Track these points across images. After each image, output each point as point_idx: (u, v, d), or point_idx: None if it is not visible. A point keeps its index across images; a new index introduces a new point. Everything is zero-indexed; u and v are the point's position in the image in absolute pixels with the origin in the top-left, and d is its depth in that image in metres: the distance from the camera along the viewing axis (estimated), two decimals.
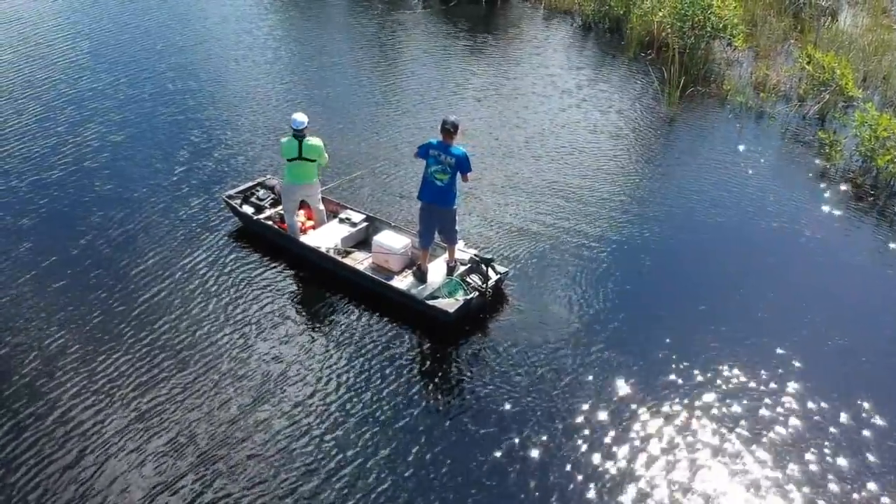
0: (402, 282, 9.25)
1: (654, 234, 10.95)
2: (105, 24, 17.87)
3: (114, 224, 10.58)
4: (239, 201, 10.52)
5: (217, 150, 12.59)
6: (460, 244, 9.42)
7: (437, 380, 8.44)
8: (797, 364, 8.60)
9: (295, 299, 9.49)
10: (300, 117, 9.49)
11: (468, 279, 9.11)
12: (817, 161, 13.00)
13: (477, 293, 8.97)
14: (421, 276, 9.14)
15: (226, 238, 10.38)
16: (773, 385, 8.33)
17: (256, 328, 8.90)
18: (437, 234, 9.19)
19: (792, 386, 8.32)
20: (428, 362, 8.68)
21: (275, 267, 9.91)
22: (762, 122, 14.32)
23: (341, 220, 10.18)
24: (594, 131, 13.82)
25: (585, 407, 7.99)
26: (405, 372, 8.42)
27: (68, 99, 14.04)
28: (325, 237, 9.88)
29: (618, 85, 15.77)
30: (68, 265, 9.79)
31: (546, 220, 11.04)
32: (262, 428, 7.62)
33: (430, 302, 8.85)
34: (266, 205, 10.42)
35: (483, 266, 9.03)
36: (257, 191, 10.70)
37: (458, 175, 8.83)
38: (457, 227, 9.14)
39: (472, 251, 9.42)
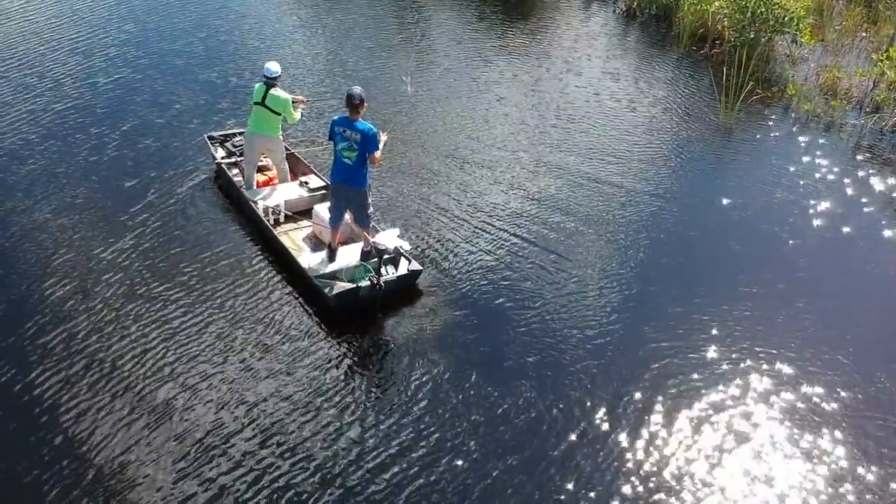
0: (311, 256, 8.82)
1: (686, 257, 9.59)
2: None
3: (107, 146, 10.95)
4: (217, 143, 10.72)
5: (225, 97, 12.64)
6: (395, 231, 8.77)
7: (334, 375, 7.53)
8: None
9: (231, 254, 9.03)
10: (273, 66, 9.43)
11: (385, 269, 8.43)
12: None
13: (368, 283, 8.17)
14: (330, 255, 8.70)
15: (201, 177, 10.40)
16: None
17: (181, 285, 8.45)
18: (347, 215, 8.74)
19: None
20: (316, 347, 7.82)
21: (229, 217, 9.70)
22: (831, 135, 12.50)
23: (301, 184, 10.08)
24: (634, 135, 12.28)
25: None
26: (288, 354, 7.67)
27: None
28: (273, 196, 9.71)
29: (665, 84, 14.02)
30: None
31: (556, 226, 9.89)
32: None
33: (317, 281, 8.32)
34: (237, 152, 10.47)
35: (398, 257, 8.56)
36: (235, 137, 10.79)
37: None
38: (369, 211, 8.60)
39: (402, 242, 8.63)
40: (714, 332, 8.25)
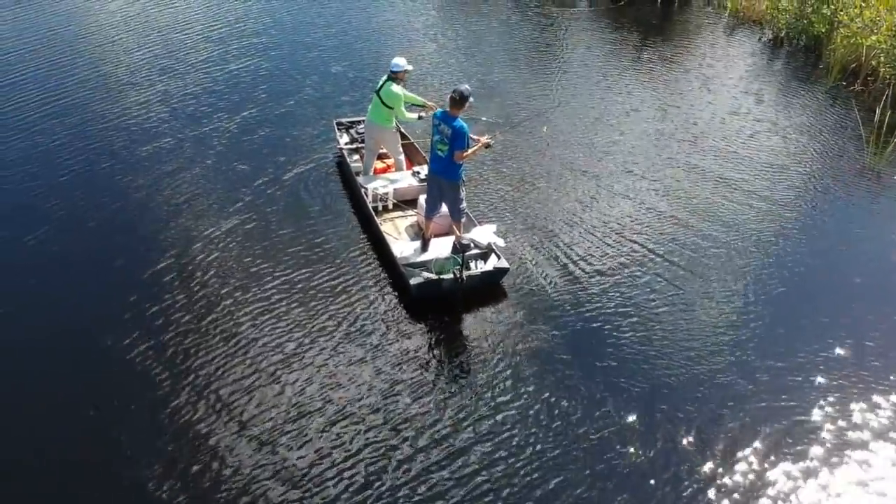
0: (405, 245, 8.99)
1: (813, 287, 9.00)
2: None
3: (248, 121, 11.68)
4: (343, 129, 11.11)
5: (350, 90, 12.97)
6: (491, 227, 8.77)
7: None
8: None
9: (335, 237, 9.26)
10: (398, 60, 9.56)
11: (473, 264, 8.48)
12: None
13: (451, 276, 8.20)
14: (423, 245, 8.90)
15: (319, 163, 10.79)
16: None
17: (287, 266, 8.66)
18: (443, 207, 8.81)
19: None
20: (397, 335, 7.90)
21: (341, 201, 10.00)
22: None
23: (414, 173, 10.22)
24: (768, 161, 11.60)
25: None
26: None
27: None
28: (384, 184, 9.86)
29: (809, 115, 13.10)
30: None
31: (670, 241, 9.55)
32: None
33: (404, 269, 8.42)
34: (360, 139, 10.83)
35: (489, 254, 8.55)
36: (360, 124, 11.06)
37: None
38: (461, 206, 8.66)
39: (496, 239, 8.56)
40: (832, 367, 7.67)
